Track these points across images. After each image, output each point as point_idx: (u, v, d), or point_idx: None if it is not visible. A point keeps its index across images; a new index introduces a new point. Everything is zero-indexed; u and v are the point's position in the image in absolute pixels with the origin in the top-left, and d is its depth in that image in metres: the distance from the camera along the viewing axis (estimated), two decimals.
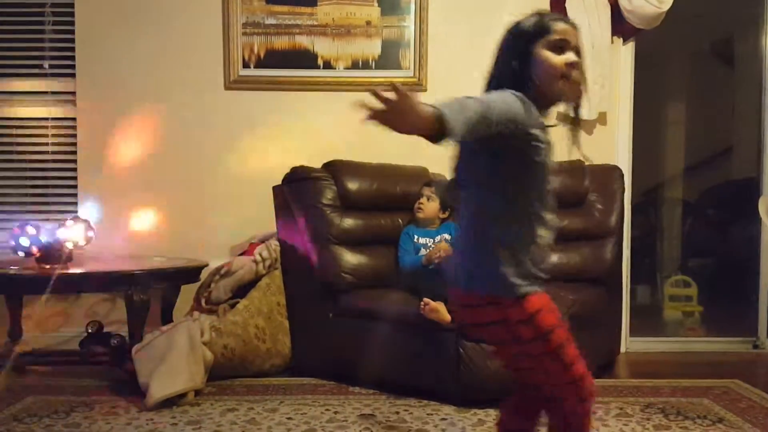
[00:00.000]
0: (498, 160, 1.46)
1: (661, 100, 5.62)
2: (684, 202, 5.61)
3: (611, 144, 3.73)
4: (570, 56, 1.50)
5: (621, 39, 3.72)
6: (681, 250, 5.42)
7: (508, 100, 1.38)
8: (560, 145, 3.59)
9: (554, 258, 3.29)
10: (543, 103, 1.51)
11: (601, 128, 3.74)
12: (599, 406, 2.68)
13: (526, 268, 1.47)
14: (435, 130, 1.25)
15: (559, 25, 1.51)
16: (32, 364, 3.32)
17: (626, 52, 3.75)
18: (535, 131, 1.43)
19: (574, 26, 1.54)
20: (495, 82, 1.53)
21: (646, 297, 4.89)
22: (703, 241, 5.38)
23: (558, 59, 1.49)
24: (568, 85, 1.51)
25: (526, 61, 1.49)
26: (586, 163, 3.44)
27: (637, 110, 3.78)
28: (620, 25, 3.64)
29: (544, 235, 1.51)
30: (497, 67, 1.55)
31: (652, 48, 3.95)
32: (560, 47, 1.50)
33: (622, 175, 3.46)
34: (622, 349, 3.65)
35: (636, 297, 4.33)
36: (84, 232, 3.34)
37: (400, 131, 1.25)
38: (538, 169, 1.48)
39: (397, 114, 1.20)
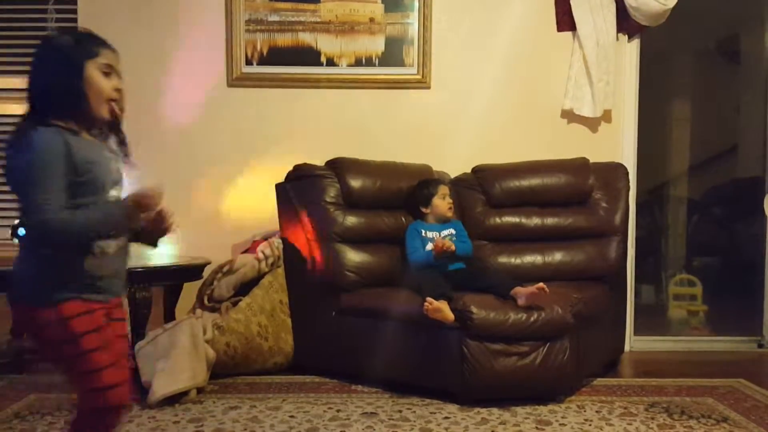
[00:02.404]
0: None
1: (667, 97, 5.59)
2: (689, 200, 5.58)
3: (616, 142, 3.71)
4: (116, 82, 1.59)
5: (626, 36, 3.69)
6: (686, 248, 5.39)
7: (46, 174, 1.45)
8: (564, 142, 3.51)
9: (558, 256, 3.28)
10: (88, 121, 1.59)
11: (606, 126, 3.72)
12: (603, 405, 2.67)
13: (70, 277, 1.51)
14: None
15: (107, 50, 1.58)
16: (34, 361, 3.32)
17: (631, 49, 3.72)
18: (80, 156, 1.50)
19: (116, 52, 1.61)
20: (41, 96, 1.56)
21: (651, 296, 4.86)
22: (708, 239, 5.35)
23: (107, 84, 1.57)
24: (112, 109, 1.60)
25: (77, 78, 1.53)
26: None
27: (642, 108, 3.76)
28: (625, 22, 3.62)
29: (105, 245, 1.56)
30: (41, 79, 1.58)
31: (658, 45, 3.92)
32: (107, 72, 1.57)
33: (627, 173, 3.44)
34: (627, 348, 3.63)
35: (640, 296, 4.30)
36: None
37: None
38: (84, 186, 1.52)
39: None
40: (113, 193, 1.62)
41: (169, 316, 3.38)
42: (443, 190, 3.21)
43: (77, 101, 1.54)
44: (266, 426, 2.43)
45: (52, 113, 1.53)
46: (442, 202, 3.18)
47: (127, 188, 1.67)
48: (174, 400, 2.68)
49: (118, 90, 1.59)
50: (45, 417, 2.53)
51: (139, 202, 1.59)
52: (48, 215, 1.43)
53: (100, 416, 1.57)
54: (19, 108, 3.96)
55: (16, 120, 3.84)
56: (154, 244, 1.87)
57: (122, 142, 1.73)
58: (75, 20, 3.71)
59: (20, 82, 3.88)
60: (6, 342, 3.42)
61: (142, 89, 3.72)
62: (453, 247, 2.99)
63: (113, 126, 1.66)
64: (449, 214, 3.18)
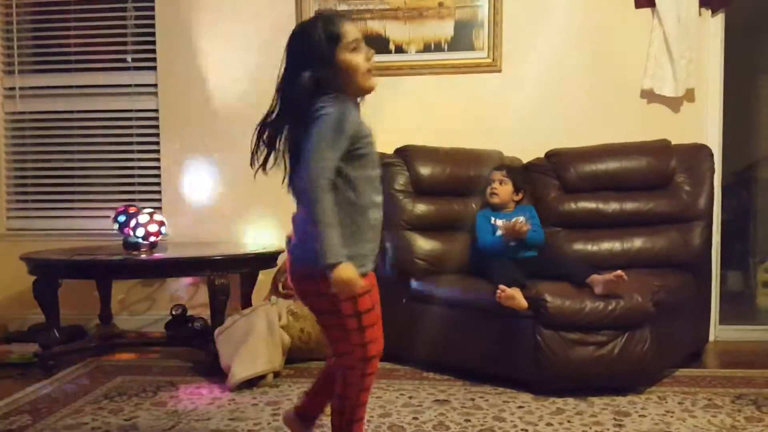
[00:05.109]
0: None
1: (754, 74, 5.28)
2: None
3: (700, 122, 3.53)
4: (366, 52, 1.67)
5: (709, 11, 3.50)
6: None
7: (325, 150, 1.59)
8: (644, 124, 3.35)
9: (638, 243, 3.17)
10: (352, 97, 1.70)
11: (689, 105, 3.54)
12: (686, 397, 2.57)
13: (356, 249, 1.63)
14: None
15: (347, 26, 1.66)
16: (121, 345, 3.49)
17: (715, 24, 3.53)
18: (363, 130, 1.64)
19: (354, 21, 1.72)
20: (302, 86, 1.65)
21: (738, 283, 4.63)
22: None
23: (359, 59, 1.66)
24: (372, 80, 1.69)
25: (330, 67, 1.64)
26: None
27: (727, 86, 3.56)
28: None
29: (378, 217, 1.69)
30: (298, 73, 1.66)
31: (744, 19, 3.70)
32: (355, 48, 1.66)
33: (712, 154, 3.28)
34: (711, 338, 3.47)
35: (727, 283, 4.11)
36: (168, 222, 3.46)
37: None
38: (364, 160, 1.65)
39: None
40: (378, 165, 1.70)
41: (246, 302, 3.47)
42: (494, 175, 3.16)
43: (337, 86, 1.64)
44: None
45: (340, 92, 1.65)
46: (488, 189, 3.14)
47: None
48: (252, 383, 2.76)
49: (370, 59, 1.67)
50: (132, 398, 2.65)
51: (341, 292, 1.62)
52: (315, 175, 1.57)
53: (366, 375, 1.75)
54: (107, 104, 4.18)
55: (102, 116, 3.91)
56: None
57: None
58: (153, 18, 3.84)
59: (104, 78, 4.09)
60: (95, 327, 3.61)
61: (217, 83, 3.82)
62: (525, 228, 2.94)
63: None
64: (492, 200, 3.13)
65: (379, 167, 1.71)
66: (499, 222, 3.07)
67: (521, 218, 3.00)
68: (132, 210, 3.39)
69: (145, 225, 3.32)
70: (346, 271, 1.56)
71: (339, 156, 1.59)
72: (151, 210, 3.44)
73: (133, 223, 3.33)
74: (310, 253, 1.59)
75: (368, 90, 1.70)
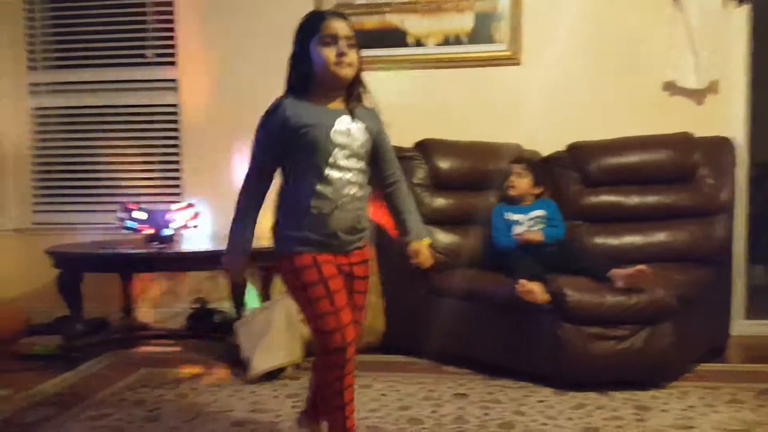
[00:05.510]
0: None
1: None
2: None
3: (724, 114, 3.47)
4: (341, 46, 1.74)
5: (735, 1, 3.43)
6: None
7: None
8: (666, 116, 3.28)
9: (660, 236, 3.14)
10: (324, 87, 1.79)
11: (713, 97, 3.48)
12: (709, 392, 2.54)
13: (299, 234, 1.80)
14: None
15: (326, 22, 1.75)
16: (144, 338, 3.53)
17: (740, 15, 3.46)
18: (296, 122, 1.75)
19: (338, 17, 1.77)
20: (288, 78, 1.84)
21: (764, 277, 4.55)
22: None
23: (329, 53, 1.74)
24: (344, 69, 1.75)
25: (305, 60, 1.78)
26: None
27: (754, 77, 3.49)
28: None
29: (320, 206, 1.77)
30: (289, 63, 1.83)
31: None
32: (328, 42, 1.74)
33: (734, 147, 3.23)
34: (736, 333, 3.41)
35: (753, 277, 4.03)
36: (190, 215, 3.50)
37: None
38: (300, 148, 1.76)
39: None
40: (340, 156, 1.77)
41: (265, 295, 3.49)
42: (513, 168, 3.15)
43: (307, 78, 1.78)
44: (359, 403, 2.46)
45: (294, 89, 1.81)
46: (506, 182, 3.13)
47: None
48: (272, 376, 2.78)
49: (341, 54, 1.73)
50: (155, 390, 2.69)
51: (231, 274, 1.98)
52: (244, 178, 1.85)
53: (324, 358, 1.81)
54: (127, 99, 4.20)
55: (123, 111, 3.95)
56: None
57: (358, 98, 1.86)
58: (172, 13, 3.86)
59: (125, 73, 4.10)
60: (119, 319, 3.66)
61: (237, 78, 3.84)
62: (540, 239, 2.95)
63: (351, 84, 1.82)
64: (510, 192, 3.12)
65: (329, 156, 1.75)
66: (514, 217, 3.07)
67: (534, 228, 3.03)
68: (134, 210, 3.42)
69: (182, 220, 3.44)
70: (232, 263, 1.87)
71: (270, 153, 1.79)
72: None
73: (168, 216, 3.40)
74: (275, 240, 1.86)
75: (341, 77, 1.76)
